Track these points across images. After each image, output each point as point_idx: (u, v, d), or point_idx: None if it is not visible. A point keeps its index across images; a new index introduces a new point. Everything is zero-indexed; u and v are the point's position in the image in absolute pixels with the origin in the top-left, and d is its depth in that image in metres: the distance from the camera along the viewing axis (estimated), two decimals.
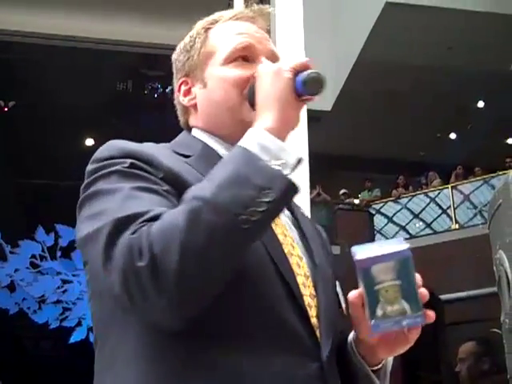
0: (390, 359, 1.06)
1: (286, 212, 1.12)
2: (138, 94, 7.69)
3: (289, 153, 0.91)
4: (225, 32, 1.13)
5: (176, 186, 0.95)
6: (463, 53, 9.96)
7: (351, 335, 1.05)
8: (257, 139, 0.91)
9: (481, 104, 12.25)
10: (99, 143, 1.06)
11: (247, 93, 1.05)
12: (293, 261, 1.00)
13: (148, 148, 1.01)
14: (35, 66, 7.06)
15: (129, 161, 0.96)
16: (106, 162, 0.97)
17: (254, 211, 0.84)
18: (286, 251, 1.00)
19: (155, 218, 0.86)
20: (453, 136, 13.38)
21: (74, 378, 9.67)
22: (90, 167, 0.99)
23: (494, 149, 11.93)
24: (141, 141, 1.02)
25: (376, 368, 1.03)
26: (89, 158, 1.01)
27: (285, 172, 0.88)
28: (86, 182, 0.98)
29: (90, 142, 8.73)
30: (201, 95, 1.12)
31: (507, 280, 2.11)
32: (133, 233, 0.84)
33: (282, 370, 0.91)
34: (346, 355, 1.03)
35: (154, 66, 7.15)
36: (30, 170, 8.40)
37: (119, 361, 0.92)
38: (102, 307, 0.97)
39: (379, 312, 0.90)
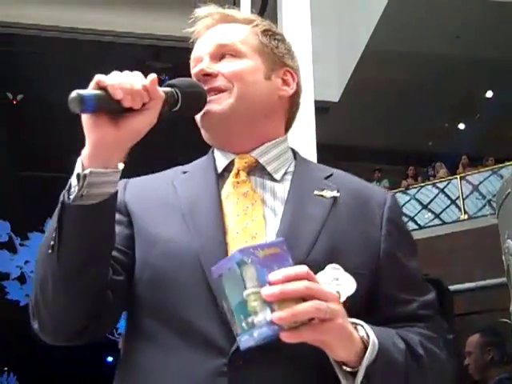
0: (368, 357, 0.93)
1: (280, 194, 1.14)
2: None
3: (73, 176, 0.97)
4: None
5: (126, 215, 1.12)
6: (471, 42, 9.89)
7: None
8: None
9: (489, 94, 12.18)
10: None
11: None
12: (234, 245, 1.03)
13: (124, 182, 1.17)
14: (42, 59, 7.09)
15: None
16: None
17: (52, 243, 0.96)
18: (231, 236, 1.05)
19: None
20: (461, 126, 13.32)
21: (84, 369, 9.74)
22: None
23: (502, 139, 11.86)
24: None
25: (355, 369, 0.94)
26: None
27: (70, 196, 0.95)
28: None
29: None
30: None
31: None
32: None
33: (181, 368, 0.98)
34: None
35: (160, 58, 7.14)
36: (39, 162, 8.43)
37: None
38: None
39: (243, 324, 0.84)
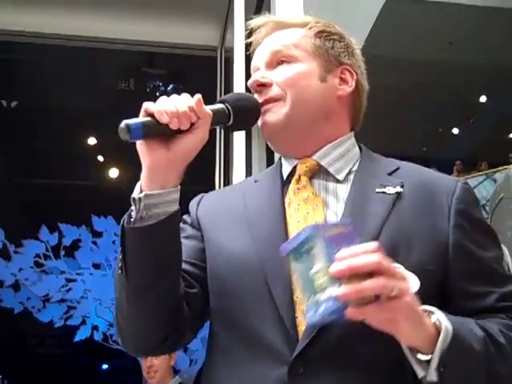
0: (442, 342, 0.88)
1: (342, 195, 1.11)
2: (140, 92, 7.69)
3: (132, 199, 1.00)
4: None
5: (199, 229, 1.16)
6: (465, 47, 9.92)
7: None
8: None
9: (483, 99, 12.21)
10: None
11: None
12: None
13: (199, 197, 1.23)
14: (37, 66, 7.07)
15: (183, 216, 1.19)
16: None
17: (120, 264, 1.01)
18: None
19: None
20: (455, 131, 13.35)
21: (79, 377, 9.72)
22: None
23: (496, 144, 11.91)
24: None
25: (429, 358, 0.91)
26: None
27: (130, 219, 0.99)
28: None
29: (92, 141, 8.72)
30: None
31: None
32: None
33: (245, 378, 1.00)
34: None
35: (155, 64, 7.15)
36: (33, 169, 8.41)
37: None
38: None
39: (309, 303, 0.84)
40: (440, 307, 1.00)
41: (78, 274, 7.44)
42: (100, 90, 7.50)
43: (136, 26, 4.44)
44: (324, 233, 0.83)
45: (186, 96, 1.02)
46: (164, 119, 0.98)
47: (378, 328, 0.87)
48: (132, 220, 0.99)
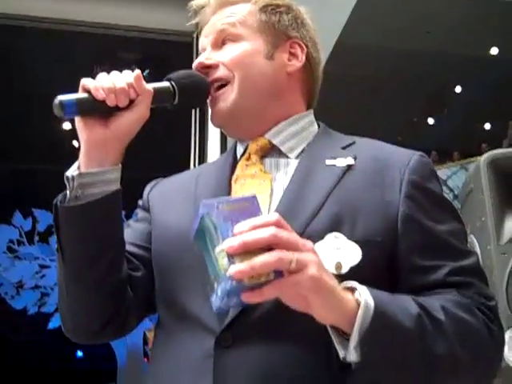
0: (360, 320, 0.82)
1: (292, 170, 1.08)
2: None
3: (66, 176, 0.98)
4: None
5: (148, 211, 1.16)
6: (441, 37, 10.00)
7: None
8: None
9: (458, 89, 12.33)
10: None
11: None
12: None
13: (155, 181, 1.22)
14: (9, 50, 6.97)
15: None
16: None
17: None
18: None
19: None
20: (430, 121, 13.47)
21: (54, 364, 9.66)
22: None
23: (471, 134, 12.04)
24: None
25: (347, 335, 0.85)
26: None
27: (64, 199, 0.97)
28: None
29: (67, 125, 8.63)
30: None
31: None
32: None
33: (179, 353, 0.99)
34: None
35: (130, 49, 7.09)
36: (7, 153, 8.32)
37: None
38: None
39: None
40: (392, 281, 0.97)
41: (52, 260, 7.38)
42: (75, 74, 7.40)
43: (111, 10, 4.39)
44: (220, 209, 0.76)
45: (126, 72, 1.00)
46: (100, 95, 0.95)
47: (291, 307, 0.81)
48: (66, 199, 0.96)
